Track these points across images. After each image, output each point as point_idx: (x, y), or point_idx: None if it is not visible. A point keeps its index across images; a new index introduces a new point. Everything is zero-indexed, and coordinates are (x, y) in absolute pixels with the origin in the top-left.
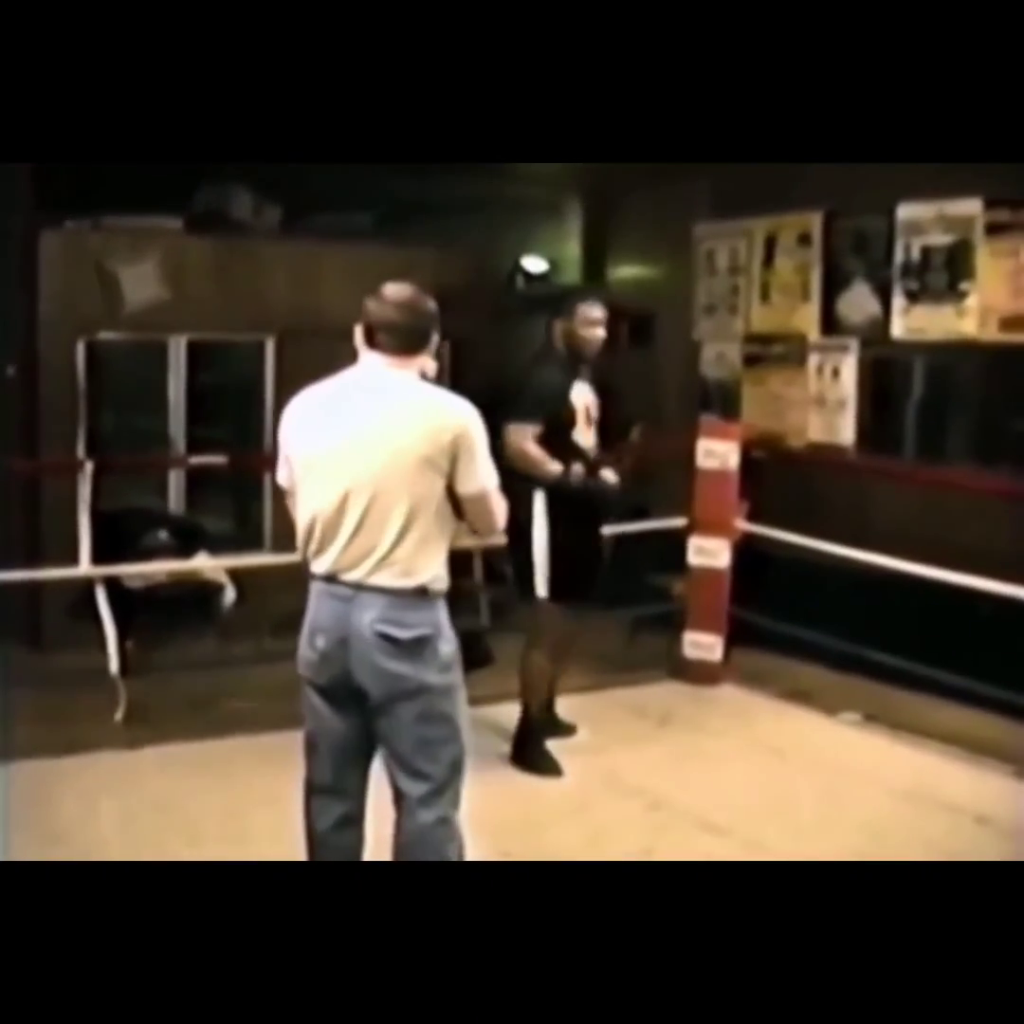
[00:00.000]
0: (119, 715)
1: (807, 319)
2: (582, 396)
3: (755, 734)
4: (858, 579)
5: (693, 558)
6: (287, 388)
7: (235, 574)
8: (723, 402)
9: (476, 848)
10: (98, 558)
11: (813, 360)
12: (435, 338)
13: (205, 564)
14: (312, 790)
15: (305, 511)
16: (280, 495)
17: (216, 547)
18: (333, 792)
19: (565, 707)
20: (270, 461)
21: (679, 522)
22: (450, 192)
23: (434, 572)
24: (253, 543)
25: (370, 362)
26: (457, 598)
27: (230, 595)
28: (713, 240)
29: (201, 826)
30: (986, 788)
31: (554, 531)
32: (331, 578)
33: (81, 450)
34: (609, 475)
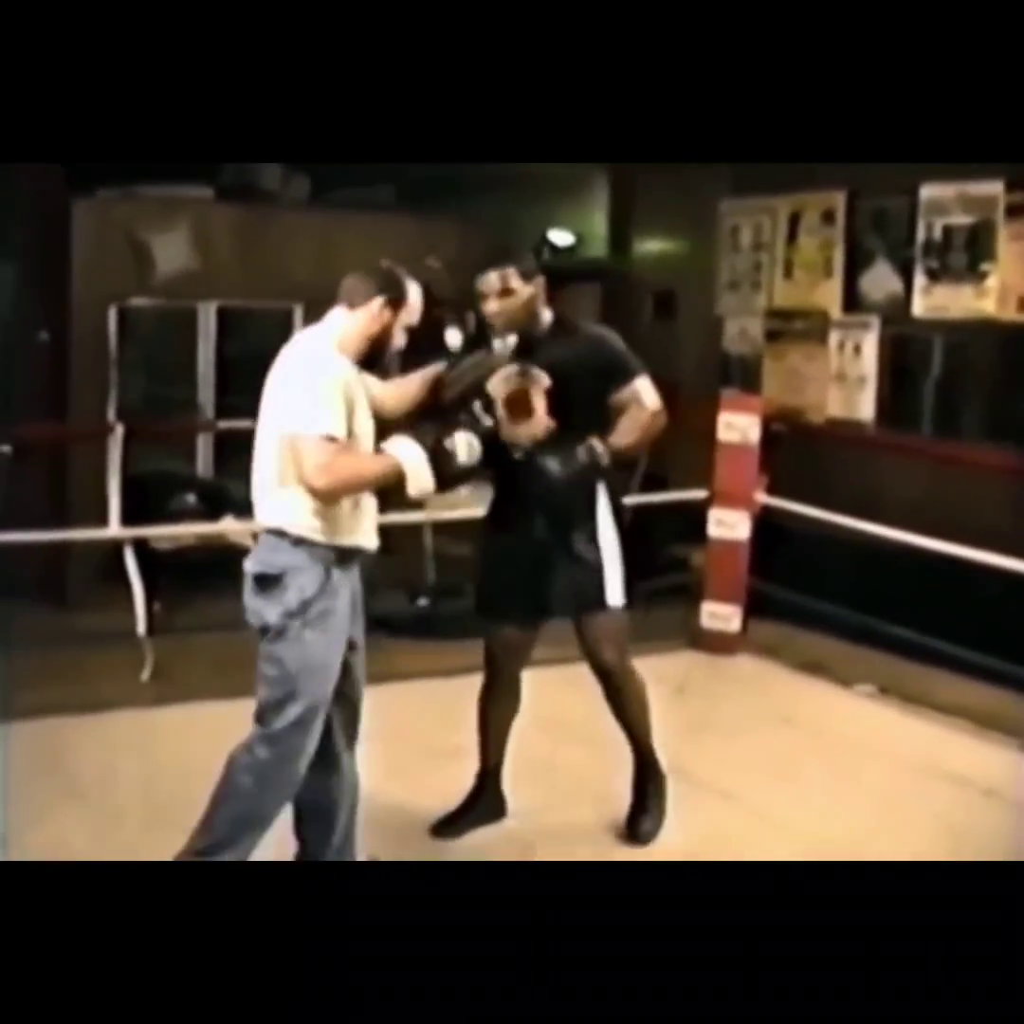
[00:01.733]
0: (145, 674)
1: (829, 296)
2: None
3: (770, 704)
4: (874, 553)
5: (713, 530)
6: None
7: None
8: (744, 376)
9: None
10: (127, 520)
11: (834, 337)
12: (379, 297)
13: (231, 527)
14: None
15: None
16: None
17: (242, 511)
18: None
19: (577, 675)
20: None
21: (699, 494)
22: (476, 166)
23: (292, 515)
24: None
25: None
26: None
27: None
28: (737, 217)
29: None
30: (995, 761)
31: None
32: None
33: (111, 415)
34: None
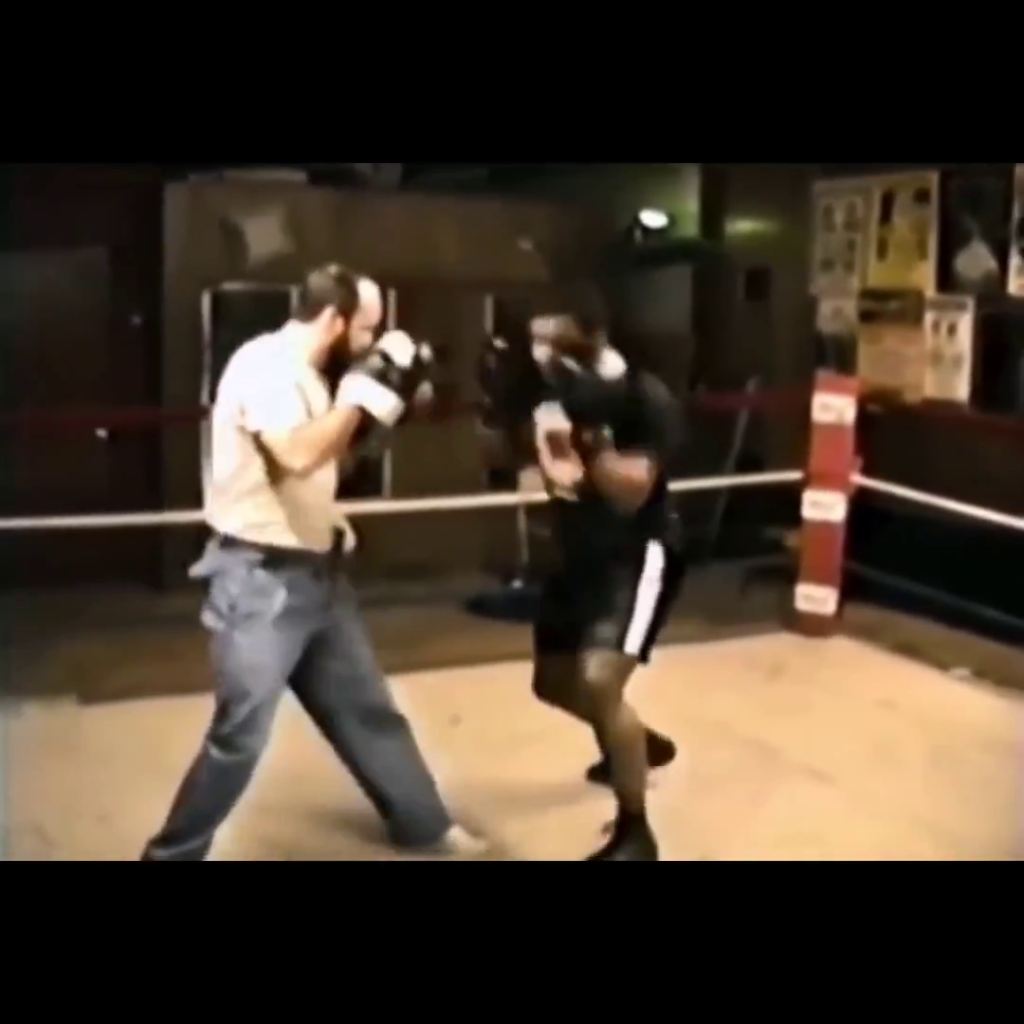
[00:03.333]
0: None
1: (924, 276)
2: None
3: (865, 687)
4: (970, 535)
5: (808, 511)
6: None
7: (354, 520)
8: (839, 357)
9: (582, 805)
10: None
11: (929, 317)
12: (328, 307)
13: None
14: None
15: None
16: (399, 444)
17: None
18: None
19: (674, 657)
20: None
21: (794, 475)
22: None
23: (226, 515)
24: (372, 490)
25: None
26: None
27: (350, 540)
28: (831, 197)
29: (311, 763)
30: None
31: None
32: None
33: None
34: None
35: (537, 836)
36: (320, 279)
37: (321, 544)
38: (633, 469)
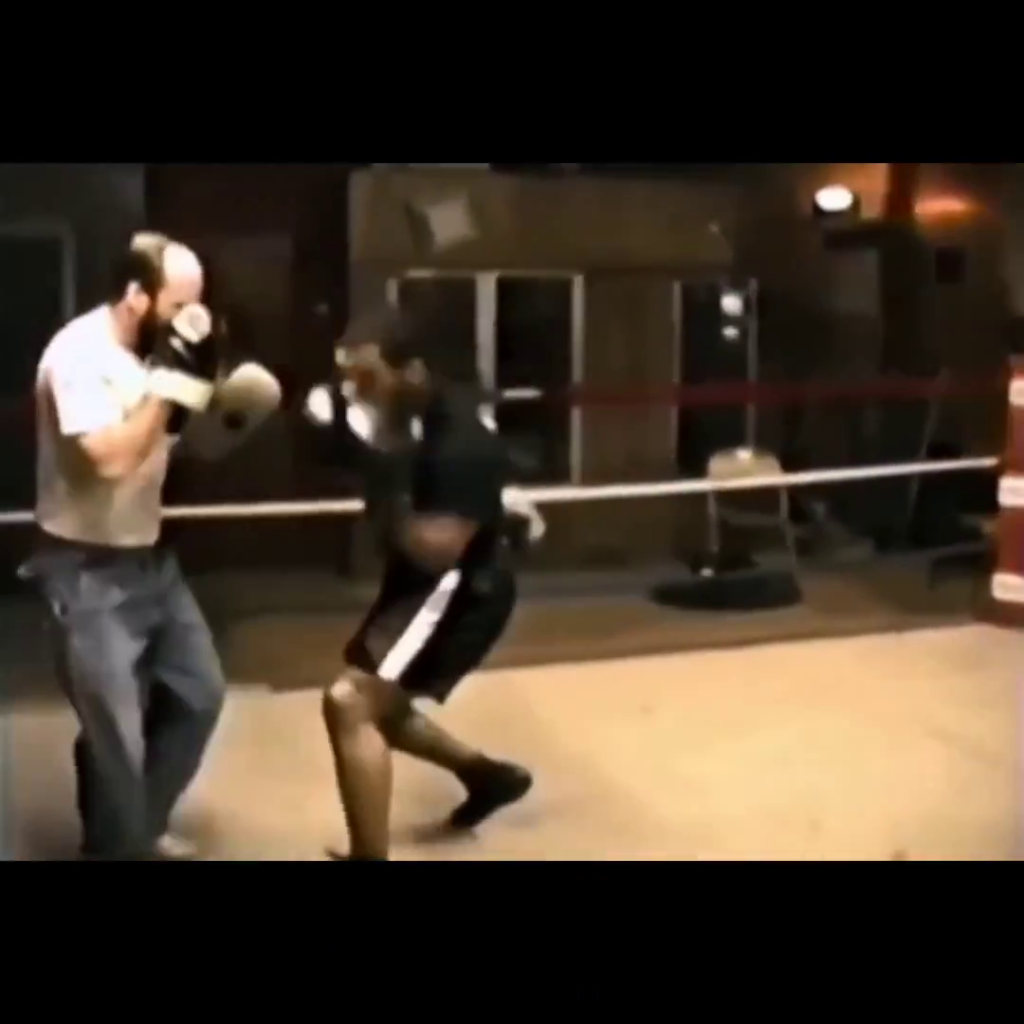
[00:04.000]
0: None
1: None
2: None
3: None
4: None
5: (1005, 498)
6: (595, 325)
7: (542, 508)
8: None
9: (774, 795)
10: None
11: None
12: (132, 282)
13: (513, 498)
14: None
15: None
16: (589, 431)
17: (523, 481)
18: None
19: (867, 647)
20: (582, 397)
21: (990, 462)
22: None
23: (67, 520)
24: (560, 477)
25: None
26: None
27: (538, 528)
28: None
29: (515, 755)
30: None
31: None
32: None
33: None
34: None
35: (726, 825)
36: (122, 253)
37: (148, 537)
38: (435, 533)
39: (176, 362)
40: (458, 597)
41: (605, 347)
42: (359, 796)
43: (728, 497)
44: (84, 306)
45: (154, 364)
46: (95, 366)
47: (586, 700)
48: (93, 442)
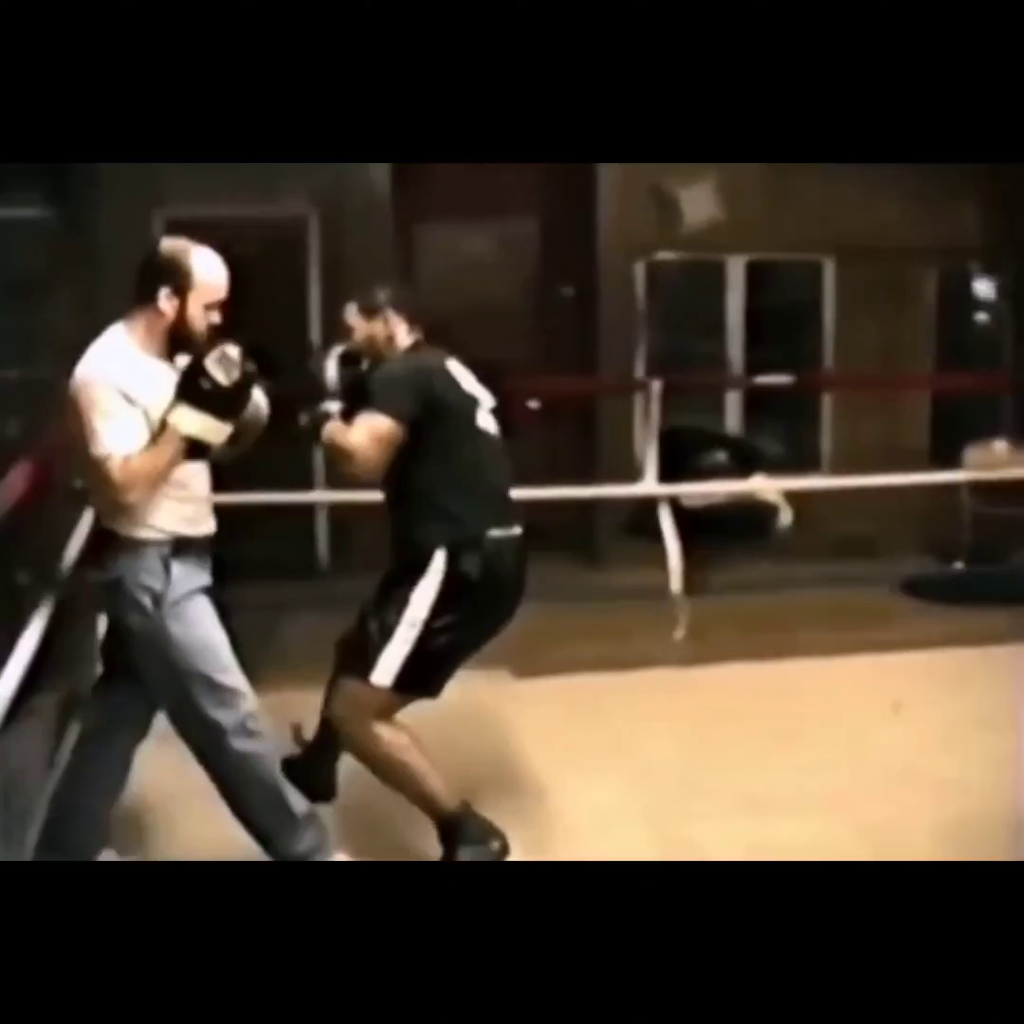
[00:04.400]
0: (678, 633)
1: None
2: None
3: None
4: None
5: None
6: (846, 309)
7: (790, 496)
8: None
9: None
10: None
11: None
12: (162, 287)
13: (762, 485)
14: None
15: None
16: (839, 418)
17: (772, 469)
18: None
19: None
20: (834, 382)
21: None
22: None
23: (110, 510)
24: (809, 465)
25: None
26: None
27: (786, 517)
28: None
29: (764, 749)
30: None
31: None
32: None
33: (639, 370)
34: None
35: (970, 826)
36: (149, 256)
37: (211, 528)
38: (350, 434)
39: (204, 403)
40: (445, 590)
41: (857, 332)
42: (402, 783)
43: (982, 489)
44: (328, 287)
45: (180, 396)
46: (119, 385)
47: (834, 694)
48: (113, 468)
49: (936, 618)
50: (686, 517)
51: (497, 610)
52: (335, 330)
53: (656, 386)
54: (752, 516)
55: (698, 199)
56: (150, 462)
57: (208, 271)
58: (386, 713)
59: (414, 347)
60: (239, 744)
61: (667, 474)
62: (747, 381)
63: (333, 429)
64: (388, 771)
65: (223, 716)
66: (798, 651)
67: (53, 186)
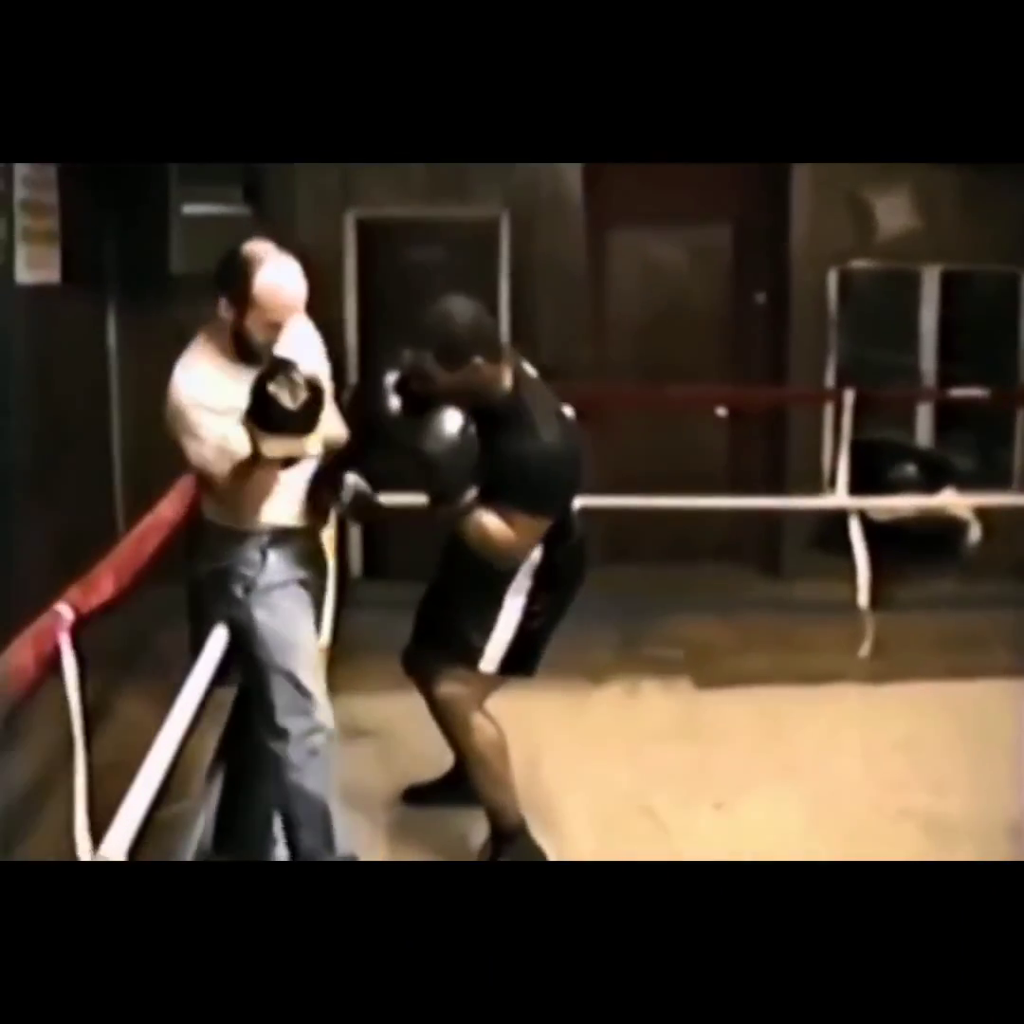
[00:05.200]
0: (864, 649)
1: None
2: None
3: None
4: None
5: None
6: None
7: (981, 512)
8: None
9: None
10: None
11: None
12: (222, 295)
13: (953, 501)
14: None
15: None
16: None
17: (962, 484)
18: None
19: None
20: None
21: None
22: None
23: (213, 504)
24: (1000, 481)
25: None
26: None
27: (976, 534)
28: None
29: (946, 774)
30: None
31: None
32: None
33: (829, 379)
34: None
35: None
36: (221, 258)
37: (303, 520)
38: (505, 530)
39: (276, 427)
40: (539, 578)
41: None
42: (489, 780)
43: None
44: (517, 289)
45: (254, 420)
46: (198, 400)
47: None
48: (215, 482)
49: None
50: (873, 530)
51: (576, 585)
52: (382, 361)
53: (849, 396)
54: (941, 532)
55: (895, 206)
56: (244, 481)
57: (271, 287)
58: (488, 694)
59: (515, 387)
60: (298, 755)
61: (856, 486)
62: (942, 394)
63: (484, 526)
64: (477, 761)
65: (291, 722)
66: (988, 672)
67: (250, 184)
